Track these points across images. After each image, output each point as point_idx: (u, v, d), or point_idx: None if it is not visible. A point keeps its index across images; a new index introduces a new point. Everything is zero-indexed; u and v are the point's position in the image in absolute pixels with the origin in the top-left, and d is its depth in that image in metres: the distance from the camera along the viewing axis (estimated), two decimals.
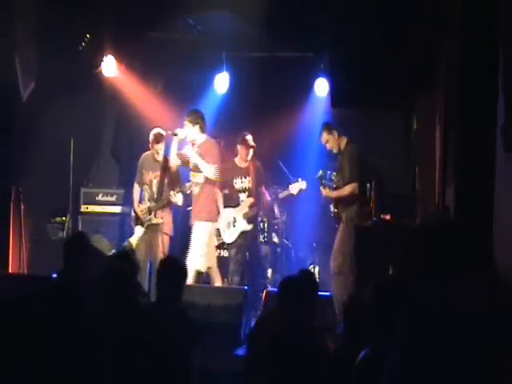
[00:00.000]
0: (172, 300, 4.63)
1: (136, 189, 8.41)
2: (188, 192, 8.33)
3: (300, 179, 8.59)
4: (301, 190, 8.56)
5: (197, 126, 7.89)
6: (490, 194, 4.13)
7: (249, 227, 8.46)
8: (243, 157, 8.47)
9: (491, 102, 4.11)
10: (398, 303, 2.63)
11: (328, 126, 7.79)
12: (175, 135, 7.94)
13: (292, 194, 8.63)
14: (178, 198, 8.11)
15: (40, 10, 8.14)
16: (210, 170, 7.89)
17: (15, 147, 8.56)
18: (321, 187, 7.78)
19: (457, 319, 2.21)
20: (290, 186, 8.57)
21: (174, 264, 4.87)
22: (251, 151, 8.41)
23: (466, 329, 2.21)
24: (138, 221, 8.32)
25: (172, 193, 8.10)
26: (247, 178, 8.49)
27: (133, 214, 8.43)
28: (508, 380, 2.14)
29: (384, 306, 3.49)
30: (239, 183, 8.51)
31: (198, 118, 7.92)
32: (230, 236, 8.50)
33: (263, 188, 8.70)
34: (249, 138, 8.41)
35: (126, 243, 8.13)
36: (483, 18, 4.43)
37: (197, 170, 7.98)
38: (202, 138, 7.96)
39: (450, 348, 2.18)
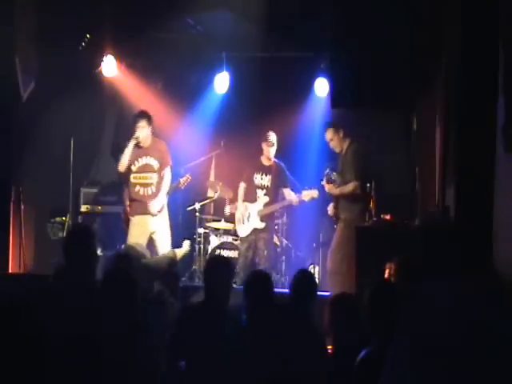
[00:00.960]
0: (222, 300, 4.52)
1: (126, 191, 8.47)
2: (182, 188, 8.36)
3: (313, 188, 8.53)
4: (312, 198, 8.47)
5: (150, 128, 8.00)
6: (490, 193, 4.14)
7: (261, 225, 8.48)
8: (267, 154, 8.52)
9: (491, 101, 4.11)
10: (397, 303, 2.64)
11: (334, 125, 7.78)
12: (136, 139, 7.95)
13: (303, 201, 8.54)
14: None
15: (40, 10, 8.14)
16: (169, 176, 8.11)
17: (15, 147, 8.55)
18: (324, 182, 7.77)
19: (457, 319, 2.21)
20: (303, 192, 8.48)
21: (224, 262, 4.82)
22: (272, 149, 8.46)
23: (466, 329, 2.21)
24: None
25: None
26: (268, 176, 8.55)
27: (123, 215, 8.47)
28: (508, 380, 2.14)
29: (383, 306, 3.49)
30: (259, 179, 8.57)
31: (150, 118, 8.04)
32: (243, 230, 8.56)
33: (288, 189, 8.60)
34: (270, 134, 8.46)
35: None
36: (483, 18, 4.43)
37: (148, 171, 8.03)
38: (149, 137, 8.05)
39: (450, 348, 2.18)
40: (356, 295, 4.80)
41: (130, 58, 9.48)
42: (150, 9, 8.41)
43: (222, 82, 9.64)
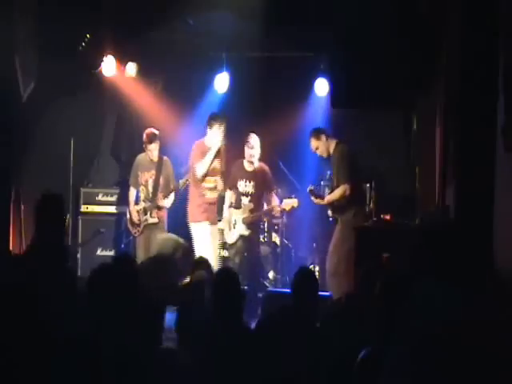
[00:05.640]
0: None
1: (132, 191, 8.48)
2: (182, 188, 8.33)
3: (293, 196, 8.54)
4: (293, 208, 8.40)
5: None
6: (490, 193, 4.14)
7: (247, 232, 8.37)
8: (248, 158, 8.31)
9: (491, 102, 4.12)
10: (397, 303, 2.63)
11: (315, 132, 7.73)
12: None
13: (284, 210, 8.48)
14: (165, 202, 8.30)
15: (40, 10, 8.14)
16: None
17: (15, 147, 8.54)
18: (312, 198, 7.82)
19: (456, 320, 2.22)
20: (284, 200, 8.41)
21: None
22: (253, 151, 8.23)
23: (465, 329, 2.21)
24: (134, 222, 8.37)
25: (160, 196, 8.26)
26: (251, 182, 8.34)
27: (128, 215, 8.48)
28: (508, 376, 2.15)
29: (383, 306, 3.49)
30: (243, 186, 8.39)
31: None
32: (230, 237, 8.49)
33: (273, 194, 8.49)
34: (251, 136, 8.29)
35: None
36: (483, 17, 4.43)
37: None
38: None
39: (450, 348, 2.18)
40: (357, 296, 4.79)
41: (130, 59, 9.48)
42: (149, 9, 8.41)
43: (221, 81, 9.63)
